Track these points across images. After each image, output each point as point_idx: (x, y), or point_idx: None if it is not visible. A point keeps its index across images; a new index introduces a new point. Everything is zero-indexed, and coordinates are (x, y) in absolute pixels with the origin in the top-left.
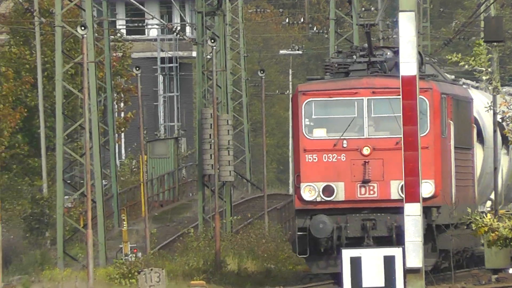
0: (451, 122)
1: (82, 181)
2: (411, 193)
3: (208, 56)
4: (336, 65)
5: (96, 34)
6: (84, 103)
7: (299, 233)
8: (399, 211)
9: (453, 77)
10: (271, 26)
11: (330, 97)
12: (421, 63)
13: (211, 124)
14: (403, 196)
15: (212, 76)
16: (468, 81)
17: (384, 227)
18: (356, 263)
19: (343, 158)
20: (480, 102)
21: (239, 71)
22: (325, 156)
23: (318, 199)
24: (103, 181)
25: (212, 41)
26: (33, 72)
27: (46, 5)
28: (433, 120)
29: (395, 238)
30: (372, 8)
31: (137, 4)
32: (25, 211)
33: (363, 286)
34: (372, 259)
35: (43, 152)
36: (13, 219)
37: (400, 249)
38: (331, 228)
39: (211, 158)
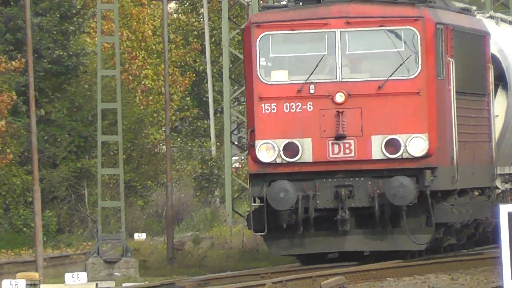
0: (451, 60)
1: None
2: None
3: None
4: None
5: (261, 1)
6: None
7: (254, 204)
8: (382, 174)
9: (463, 5)
10: None
11: (293, 30)
12: None
13: None
14: (388, 155)
15: None
16: (498, 14)
17: (363, 195)
18: None
19: (310, 108)
20: (507, 38)
21: None
22: (286, 106)
23: (279, 160)
24: None
25: None
26: (200, 38)
27: None
28: (426, 57)
29: (378, 209)
30: None
31: None
32: (195, 171)
33: None
34: None
35: (211, 115)
36: (184, 179)
37: None
38: (295, 198)
39: None
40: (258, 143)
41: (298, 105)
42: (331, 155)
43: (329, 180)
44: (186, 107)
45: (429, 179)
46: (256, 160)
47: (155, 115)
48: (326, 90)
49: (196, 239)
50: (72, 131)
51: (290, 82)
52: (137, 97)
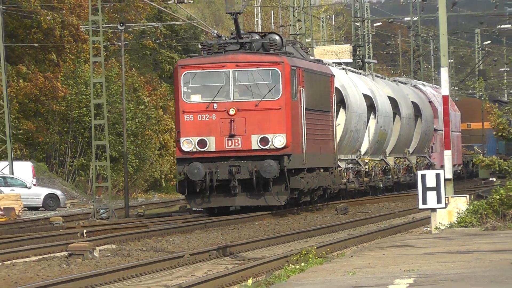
0: (302, 89)
1: None
2: (447, 142)
3: None
4: (214, 46)
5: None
6: None
7: (179, 177)
8: (258, 158)
9: (317, 58)
10: None
11: (203, 69)
12: (281, 45)
13: None
14: (261, 146)
15: None
16: (349, 67)
17: (246, 171)
18: (424, 178)
19: (214, 118)
20: (349, 80)
21: None
22: (199, 116)
23: (194, 150)
24: None
25: None
26: None
27: None
28: (285, 86)
29: (255, 180)
30: None
31: None
32: None
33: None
34: (431, 175)
35: None
36: None
37: (442, 170)
38: (204, 173)
39: None
40: (182, 139)
41: (207, 116)
42: (226, 147)
43: (225, 162)
44: None
45: (287, 161)
46: (181, 150)
47: None
48: (224, 107)
49: None
50: None
51: (202, 101)
52: None
